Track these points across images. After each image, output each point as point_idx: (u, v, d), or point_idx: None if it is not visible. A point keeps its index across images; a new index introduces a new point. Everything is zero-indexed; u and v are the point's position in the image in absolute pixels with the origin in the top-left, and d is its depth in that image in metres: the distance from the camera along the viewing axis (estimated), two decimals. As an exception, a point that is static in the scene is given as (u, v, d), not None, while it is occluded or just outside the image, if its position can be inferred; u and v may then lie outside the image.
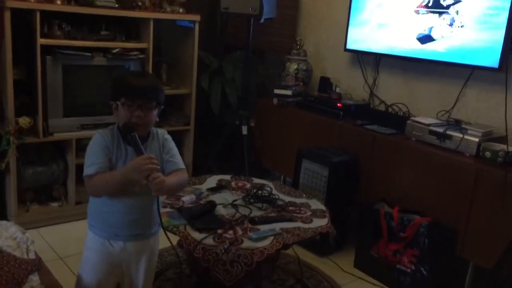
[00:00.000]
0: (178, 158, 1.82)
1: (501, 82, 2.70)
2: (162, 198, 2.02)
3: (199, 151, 3.79)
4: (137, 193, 1.73)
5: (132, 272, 1.85)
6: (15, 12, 2.74)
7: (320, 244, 2.98)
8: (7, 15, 2.71)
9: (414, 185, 2.72)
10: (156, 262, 1.99)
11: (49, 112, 2.99)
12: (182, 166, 1.82)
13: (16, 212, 2.99)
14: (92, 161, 1.69)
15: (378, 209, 2.77)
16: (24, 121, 2.89)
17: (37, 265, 1.83)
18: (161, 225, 1.77)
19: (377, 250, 2.79)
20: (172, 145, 1.84)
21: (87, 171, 1.69)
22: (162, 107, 1.78)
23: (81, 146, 3.04)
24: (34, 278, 1.79)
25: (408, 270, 2.65)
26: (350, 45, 3.43)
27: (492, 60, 2.66)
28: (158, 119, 1.77)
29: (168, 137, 1.85)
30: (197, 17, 3.48)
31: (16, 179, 2.95)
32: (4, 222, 2.15)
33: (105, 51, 3.14)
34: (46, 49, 2.91)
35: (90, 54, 3.07)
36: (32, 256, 1.94)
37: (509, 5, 2.56)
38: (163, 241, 2.75)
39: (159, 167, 1.65)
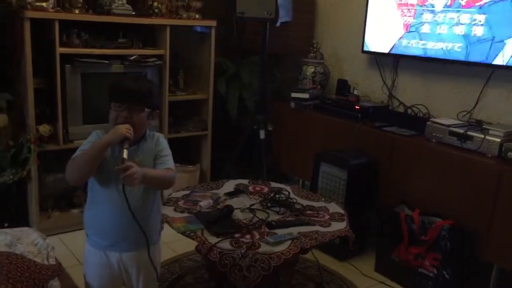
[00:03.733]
0: (168, 159, 1.82)
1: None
2: (161, 208, 1.99)
3: (216, 156, 3.80)
4: (127, 193, 1.71)
5: (133, 282, 1.86)
6: (35, 22, 2.80)
7: (339, 248, 2.95)
8: (27, 25, 2.76)
9: (434, 187, 2.67)
10: (159, 273, 1.94)
11: (69, 119, 3.04)
12: (171, 166, 1.81)
13: (38, 218, 3.04)
14: (81, 148, 1.74)
15: (398, 212, 2.72)
16: (44, 128, 2.94)
17: (58, 271, 1.85)
18: (161, 227, 1.75)
19: (398, 253, 2.74)
20: (164, 146, 1.84)
21: (73, 156, 1.72)
22: (157, 111, 1.81)
23: (101, 152, 3.07)
24: (55, 284, 1.81)
25: (430, 274, 2.60)
26: (368, 47, 3.40)
27: (513, 58, 2.61)
28: (152, 124, 1.79)
29: (162, 138, 1.86)
30: (213, 23, 3.49)
31: (37, 186, 2.99)
32: (26, 228, 2.18)
33: (122, 58, 3.17)
34: (65, 58, 2.96)
35: (108, 62, 3.10)
36: (52, 262, 1.96)
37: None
38: (183, 245, 2.80)
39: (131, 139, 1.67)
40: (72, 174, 1.72)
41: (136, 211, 1.72)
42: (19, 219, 2.96)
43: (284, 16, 3.37)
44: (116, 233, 1.78)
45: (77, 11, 3.01)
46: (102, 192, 1.76)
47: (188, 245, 2.73)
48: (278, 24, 3.36)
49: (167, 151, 1.84)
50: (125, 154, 1.63)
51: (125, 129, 1.66)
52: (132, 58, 3.18)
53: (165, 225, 2.11)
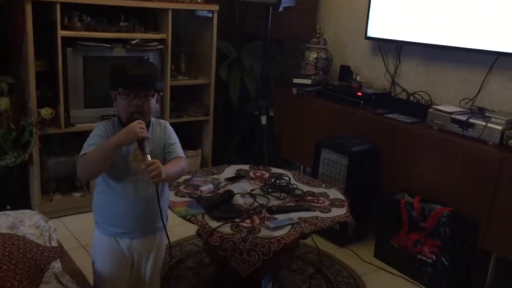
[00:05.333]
0: (177, 146, 1.82)
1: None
2: (169, 194, 2.01)
3: (218, 142, 3.80)
4: (139, 183, 1.74)
5: (141, 266, 1.88)
6: (36, 4, 2.78)
7: (339, 234, 2.97)
8: (28, 8, 2.75)
9: (435, 174, 2.68)
10: (163, 256, 1.99)
11: (71, 103, 3.03)
12: (181, 154, 1.81)
13: (40, 202, 3.06)
14: (90, 143, 1.71)
15: (398, 199, 2.73)
16: (46, 112, 2.94)
17: (59, 253, 1.87)
18: (161, 219, 1.73)
19: (397, 240, 2.76)
20: (172, 133, 1.84)
21: (82, 151, 1.69)
22: (161, 93, 1.79)
23: (102, 136, 3.07)
24: (57, 265, 1.83)
25: (429, 261, 2.62)
26: (371, 33, 3.38)
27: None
28: (158, 107, 1.77)
29: (169, 126, 1.86)
30: (215, 7, 3.47)
31: (39, 169, 3.01)
32: (28, 211, 2.20)
33: (124, 42, 3.16)
34: (66, 41, 2.95)
35: (109, 46, 3.09)
36: (54, 244, 1.98)
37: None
38: (183, 230, 2.81)
39: (149, 137, 1.66)
40: (84, 172, 1.73)
41: (150, 198, 1.74)
42: (21, 202, 2.99)
43: (286, 1, 3.35)
44: (128, 222, 1.78)
45: (79, -6, 2.98)
46: (114, 183, 1.75)
47: (188, 230, 2.75)
48: (280, 9, 3.34)
49: (175, 138, 1.84)
50: (149, 157, 1.61)
51: (139, 128, 1.62)
52: (134, 42, 3.17)
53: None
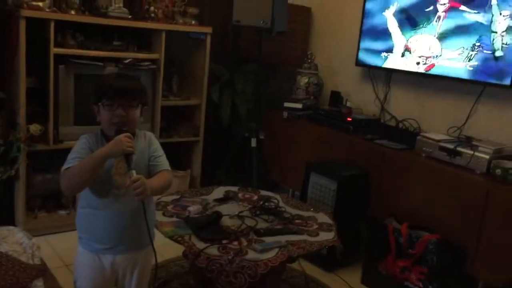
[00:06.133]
0: (163, 159, 1.82)
1: (513, 99, 2.68)
2: (154, 207, 1.99)
3: (208, 163, 3.79)
4: (122, 197, 1.72)
5: (125, 285, 1.85)
6: (30, 21, 2.79)
7: (327, 259, 2.95)
8: (22, 24, 2.76)
9: (423, 201, 2.69)
10: (150, 273, 1.97)
11: (60, 120, 3.02)
12: (167, 167, 1.81)
13: (24, 218, 3.01)
14: (73, 156, 1.69)
15: (387, 224, 2.73)
16: (35, 128, 2.92)
17: (42, 271, 1.83)
18: (148, 234, 1.71)
19: (385, 266, 2.75)
20: (157, 146, 1.84)
21: (66, 165, 1.67)
22: (146, 106, 1.79)
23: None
24: (39, 284, 1.79)
25: (416, 288, 2.61)
26: (362, 60, 3.43)
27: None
28: (142, 120, 1.78)
29: (154, 138, 1.86)
30: (209, 29, 3.50)
31: (25, 185, 2.97)
32: (11, 227, 2.16)
33: (117, 61, 3.17)
34: (59, 58, 2.95)
35: (102, 64, 3.10)
36: (37, 262, 1.93)
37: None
38: (169, 250, 2.77)
39: (134, 152, 1.65)
40: (68, 185, 1.69)
41: (133, 212, 1.73)
42: (5, 219, 2.93)
43: (279, 26, 3.40)
44: (112, 238, 1.76)
45: (73, 12, 3.00)
46: (96, 197, 1.74)
47: (175, 251, 2.71)
48: (273, 34, 3.38)
49: (160, 150, 1.84)
50: (134, 173, 1.61)
51: (126, 142, 1.62)
52: (126, 61, 3.18)
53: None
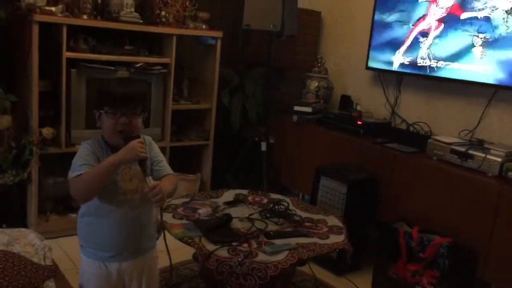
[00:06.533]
0: (165, 163, 1.83)
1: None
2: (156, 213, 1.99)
3: (218, 167, 3.80)
4: (127, 203, 1.72)
5: None
6: (43, 25, 2.82)
7: (337, 262, 2.93)
8: (35, 29, 2.79)
9: (434, 205, 2.67)
10: (158, 277, 1.96)
11: (72, 123, 3.05)
12: (171, 171, 1.82)
13: (36, 221, 3.03)
14: (81, 163, 1.65)
15: (397, 228, 2.72)
16: (47, 131, 2.95)
17: (54, 272, 1.84)
18: (157, 236, 1.73)
19: (395, 270, 2.72)
20: (158, 150, 1.84)
21: (76, 172, 1.63)
22: (147, 113, 1.78)
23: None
24: (50, 284, 1.80)
25: (428, 292, 2.58)
26: (372, 63, 3.42)
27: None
28: (142, 126, 1.75)
29: (154, 142, 1.85)
30: (219, 34, 3.52)
31: (37, 188, 2.99)
32: (23, 229, 2.18)
33: (128, 65, 3.19)
34: (71, 62, 2.98)
35: (113, 68, 3.12)
36: (49, 262, 1.95)
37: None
38: (179, 254, 2.78)
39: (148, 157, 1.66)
40: (79, 192, 1.67)
41: (138, 218, 1.74)
42: (18, 221, 2.96)
43: (290, 30, 3.41)
44: (117, 244, 1.75)
45: (85, 17, 3.04)
46: (100, 204, 1.72)
47: (184, 254, 2.71)
48: (283, 38, 3.39)
49: (161, 155, 1.84)
50: (150, 180, 1.62)
51: (139, 148, 1.61)
52: (138, 65, 3.21)
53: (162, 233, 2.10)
